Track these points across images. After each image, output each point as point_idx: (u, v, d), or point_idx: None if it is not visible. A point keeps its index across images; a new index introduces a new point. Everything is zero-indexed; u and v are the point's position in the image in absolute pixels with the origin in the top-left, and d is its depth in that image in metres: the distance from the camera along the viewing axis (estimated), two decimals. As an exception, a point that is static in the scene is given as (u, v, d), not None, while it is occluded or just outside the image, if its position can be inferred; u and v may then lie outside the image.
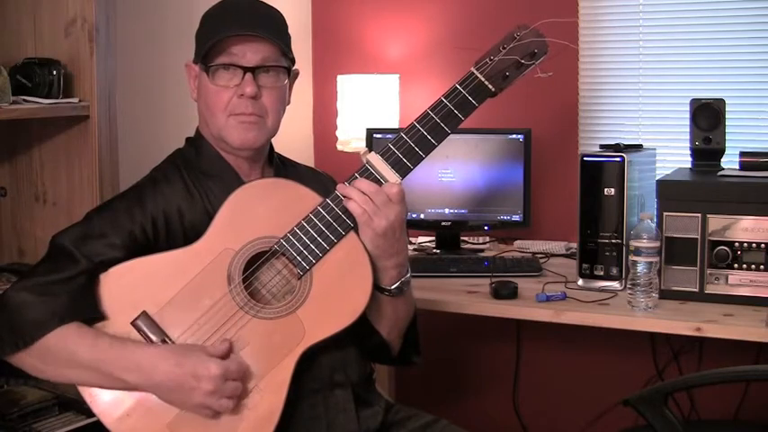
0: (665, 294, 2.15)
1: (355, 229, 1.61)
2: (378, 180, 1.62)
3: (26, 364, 1.56)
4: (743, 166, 2.33)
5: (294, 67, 1.76)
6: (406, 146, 1.62)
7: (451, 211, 2.72)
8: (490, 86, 1.63)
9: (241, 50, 1.65)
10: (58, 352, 1.52)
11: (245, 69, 1.65)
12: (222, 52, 1.66)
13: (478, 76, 1.63)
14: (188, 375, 1.50)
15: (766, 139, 2.63)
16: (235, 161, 1.74)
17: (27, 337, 1.51)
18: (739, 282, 2.12)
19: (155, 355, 1.52)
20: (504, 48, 1.63)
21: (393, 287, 1.68)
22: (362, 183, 1.61)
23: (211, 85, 1.67)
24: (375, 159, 1.62)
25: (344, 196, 1.61)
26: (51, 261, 1.59)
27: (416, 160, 1.63)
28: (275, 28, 1.70)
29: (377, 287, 1.66)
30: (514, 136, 2.68)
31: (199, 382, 1.49)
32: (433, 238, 2.80)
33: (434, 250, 2.75)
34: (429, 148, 1.63)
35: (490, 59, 1.63)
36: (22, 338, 1.51)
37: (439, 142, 1.63)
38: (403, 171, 1.62)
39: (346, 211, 1.60)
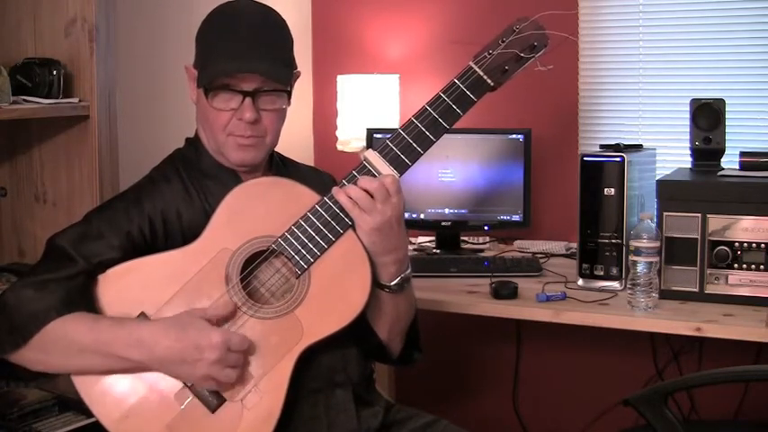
0: (665, 294, 2.15)
1: (354, 227, 1.60)
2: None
3: (29, 360, 1.54)
4: (743, 166, 2.33)
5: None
6: (404, 142, 1.61)
7: (451, 211, 2.72)
8: (489, 81, 1.61)
9: (240, 75, 1.62)
10: (59, 340, 1.51)
11: (245, 94, 1.63)
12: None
13: (477, 70, 1.61)
14: (190, 348, 1.48)
15: (766, 139, 2.63)
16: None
17: (26, 331, 1.51)
18: (739, 282, 2.12)
19: (155, 331, 1.51)
20: (503, 41, 1.61)
21: (393, 284, 1.66)
22: (360, 179, 1.59)
23: (210, 106, 1.65)
24: (373, 156, 1.61)
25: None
26: (49, 261, 1.59)
27: (414, 156, 1.61)
28: (277, 57, 1.66)
29: (376, 284, 1.64)
30: (514, 136, 2.68)
31: (202, 353, 1.48)
32: (433, 238, 2.80)
33: (434, 250, 2.75)
34: (427, 145, 1.61)
35: (489, 53, 1.61)
36: (22, 334, 1.51)
37: (437, 138, 1.61)
38: (401, 168, 1.61)
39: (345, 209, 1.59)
